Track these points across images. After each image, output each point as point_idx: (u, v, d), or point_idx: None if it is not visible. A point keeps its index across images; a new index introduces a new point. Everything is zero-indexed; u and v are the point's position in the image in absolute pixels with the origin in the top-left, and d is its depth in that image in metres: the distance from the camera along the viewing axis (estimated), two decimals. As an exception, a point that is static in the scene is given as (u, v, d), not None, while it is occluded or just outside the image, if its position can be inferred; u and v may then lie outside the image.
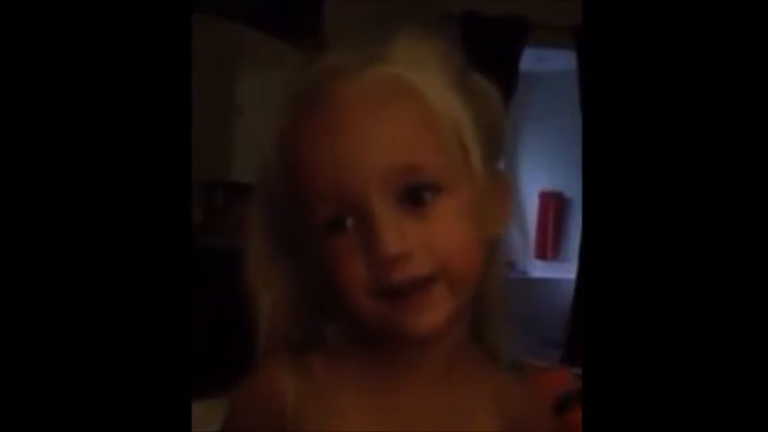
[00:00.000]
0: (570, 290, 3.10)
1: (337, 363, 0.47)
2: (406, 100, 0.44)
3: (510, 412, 0.49)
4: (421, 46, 0.46)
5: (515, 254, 4.77)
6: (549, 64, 3.77)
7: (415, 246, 0.42)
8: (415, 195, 0.42)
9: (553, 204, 4.50)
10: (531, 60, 3.30)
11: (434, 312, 0.43)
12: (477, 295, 0.48)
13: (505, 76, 2.59)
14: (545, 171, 4.41)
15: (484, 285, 0.48)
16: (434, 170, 0.43)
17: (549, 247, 4.55)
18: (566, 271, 3.83)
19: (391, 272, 0.42)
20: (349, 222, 0.42)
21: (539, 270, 4.58)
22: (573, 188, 4.04)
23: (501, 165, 0.51)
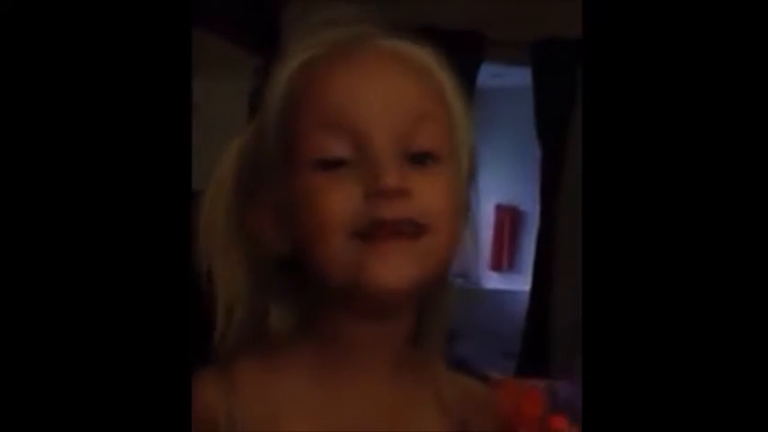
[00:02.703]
0: (525, 301, 3.15)
1: (275, 366, 0.47)
2: (426, 72, 0.47)
3: (456, 413, 0.49)
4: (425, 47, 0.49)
5: (469, 265, 4.82)
6: (505, 80, 3.85)
7: (412, 191, 0.43)
8: (417, 157, 0.44)
9: (508, 217, 4.57)
10: (487, 76, 3.36)
11: (405, 267, 0.42)
12: (421, 302, 0.48)
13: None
14: (501, 185, 4.48)
15: (429, 293, 0.49)
16: (439, 138, 0.45)
17: (504, 259, 4.61)
18: (520, 282, 3.89)
19: (386, 205, 0.42)
20: (350, 159, 0.43)
21: (494, 281, 4.64)
22: (528, 202, 4.11)
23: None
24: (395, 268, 0.42)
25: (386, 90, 0.44)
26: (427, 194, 0.43)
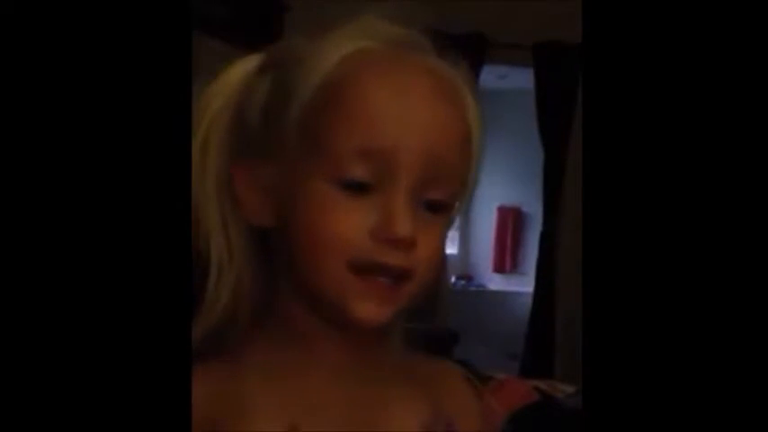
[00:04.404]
0: (528, 302, 3.15)
1: (234, 363, 0.46)
2: (459, 98, 0.46)
3: (429, 392, 0.49)
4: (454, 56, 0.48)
5: (473, 267, 4.83)
6: (508, 82, 3.85)
7: (417, 241, 0.43)
8: (429, 204, 0.44)
9: (511, 219, 4.57)
10: (490, 78, 3.36)
11: (387, 307, 0.44)
12: None
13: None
14: (503, 187, 4.48)
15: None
16: (455, 188, 0.45)
17: (507, 261, 4.61)
18: (523, 284, 3.89)
19: (391, 252, 0.42)
20: (371, 184, 0.43)
21: (497, 283, 4.63)
22: (530, 203, 4.11)
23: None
24: (375, 307, 0.43)
25: (425, 126, 0.43)
26: (426, 245, 0.44)
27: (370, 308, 0.43)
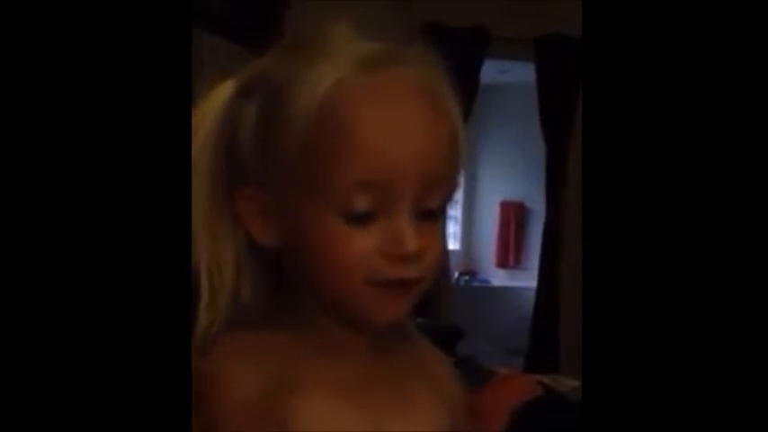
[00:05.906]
0: (532, 297, 3.15)
1: (251, 349, 0.47)
2: (442, 102, 0.46)
3: (446, 397, 0.50)
4: (431, 55, 0.48)
5: (477, 263, 4.84)
6: (509, 76, 3.84)
7: (424, 251, 0.46)
8: (426, 214, 0.46)
9: (514, 214, 4.57)
10: (492, 72, 3.36)
11: (404, 306, 0.47)
12: None
13: (466, 87, 2.63)
14: (506, 182, 4.48)
15: None
16: (447, 195, 0.47)
17: (510, 256, 4.61)
18: (527, 279, 3.89)
19: (403, 267, 0.45)
20: (374, 211, 0.44)
21: (500, 278, 4.64)
22: (533, 198, 4.11)
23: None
24: (393, 310, 0.46)
25: (420, 146, 0.44)
26: (431, 251, 0.46)
27: (388, 312, 0.46)
